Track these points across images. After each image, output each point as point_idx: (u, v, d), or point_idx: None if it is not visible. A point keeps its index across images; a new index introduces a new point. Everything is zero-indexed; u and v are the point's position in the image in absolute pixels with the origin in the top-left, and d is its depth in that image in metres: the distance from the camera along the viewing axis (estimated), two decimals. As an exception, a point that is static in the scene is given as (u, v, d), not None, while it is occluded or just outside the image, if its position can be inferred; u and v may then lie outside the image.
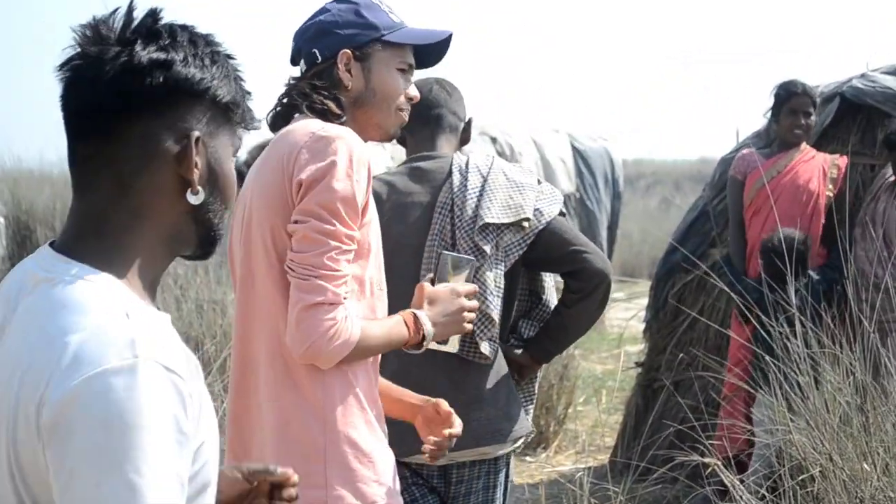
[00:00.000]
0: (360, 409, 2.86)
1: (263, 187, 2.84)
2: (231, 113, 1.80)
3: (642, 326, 7.51)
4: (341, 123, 2.91)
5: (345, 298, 2.75)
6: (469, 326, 3.08)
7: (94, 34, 1.72)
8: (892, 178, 5.97)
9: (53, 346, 1.59)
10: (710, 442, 5.15)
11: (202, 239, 1.81)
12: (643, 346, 7.60)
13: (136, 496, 1.53)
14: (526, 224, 3.74)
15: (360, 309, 2.86)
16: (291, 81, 3.03)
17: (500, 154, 12.82)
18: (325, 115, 2.92)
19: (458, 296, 3.03)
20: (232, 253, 3.00)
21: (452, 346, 3.18)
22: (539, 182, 3.89)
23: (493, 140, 12.95)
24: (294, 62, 3.07)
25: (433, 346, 3.02)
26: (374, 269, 2.94)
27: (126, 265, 1.72)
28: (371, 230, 2.90)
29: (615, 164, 13.83)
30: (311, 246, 2.72)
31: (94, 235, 1.72)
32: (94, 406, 1.54)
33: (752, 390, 5.25)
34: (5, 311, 1.74)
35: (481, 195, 3.74)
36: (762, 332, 5.00)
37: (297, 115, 2.96)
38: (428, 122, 3.83)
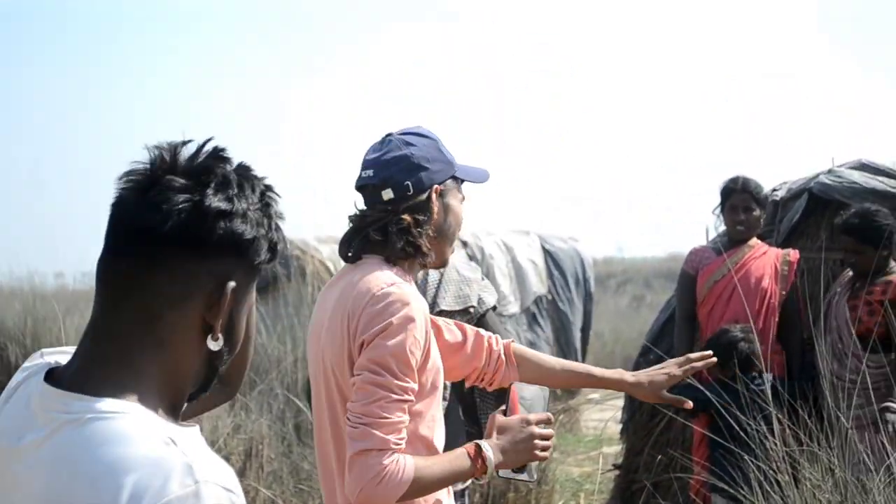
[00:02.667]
0: None
1: (333, 340, 3.05)
2: (260, 270, 1.83)
3: (619, 427, 7.47)
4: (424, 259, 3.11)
5: (395, 445, 2.90)
6: (544, 454, 3.14)
7: (170, 161, 1.74)
8: (850, 274, 5.99)
9: (103, 484, 1.55)
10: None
11: (205, 382, 1.82)
12: (620, 447, 7.55)
13: None
14: (471, 310, 4.61)
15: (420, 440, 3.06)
16: (364, 210, 3.15)
17: (471, 258, 12.85)
18: (409, 254, 3.09)
19: (528, 424, 3.11)
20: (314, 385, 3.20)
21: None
22: (482, 278, 4.78)
23: (465, 244, 13.00)
24: (368, 189, 3.15)
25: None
26: (436, 403, 3.13)
27: (147, 394, 1.69)
28: (431, 370, 3.07)
29: (586, 264, 13.90)
30: (363, 396, 2.91)
31: (112, 362, 1.70)
32: None
33: (711, 493, 5.22)
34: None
35: (438, 287, 4.56)
36: (719, 430, 4.98)
37: (368, 256, 3.12)
38: None
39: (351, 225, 3.19)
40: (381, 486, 2.86)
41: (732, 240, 6.44)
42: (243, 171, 1.81)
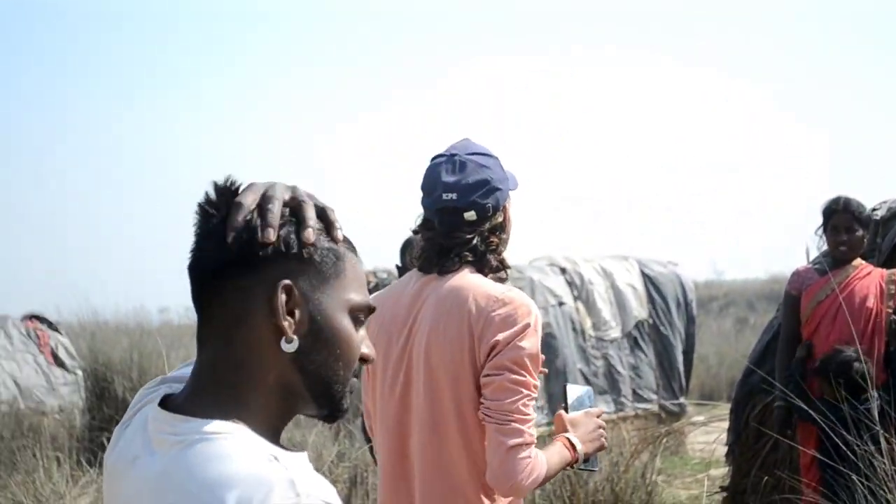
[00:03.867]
0: None
1: (449, 343, 3.26)
2: (332, 266, 1.80)
3: (724, 449, 7.46)
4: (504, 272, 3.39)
5: (532, 439, 3.18)
6: (607, 443, 3.50)
7: (214, 197, 1.79)
8: None
9: (206, 500, 1.59)
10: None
11: (316, 394, 1.80)
12: (727, 469, 7.53)
13: None
14: None
15: None
16: (445, 229, 3.35)
17: (570, 284, 12.88)
18: (498, 269, 3.38)
19: (592, 417, 3.45)
20: (378, 388, 3.43)
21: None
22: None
23: (563, 270, 13.04)
24: (449, 211, 3.34)
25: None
26: None
27: (246, 416, 1.74)
28: None
29: (686, 287, 13.83)
30: (506, 394, 3.16)
31: (210, 389, 1.76)
32: None
33: None
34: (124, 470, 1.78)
35: None
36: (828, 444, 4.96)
37: (459, 267, 3.34)
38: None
39: (426, 240, 3.41)
40: (529, 477, 3.16)
41: (836, 260, 6.42)
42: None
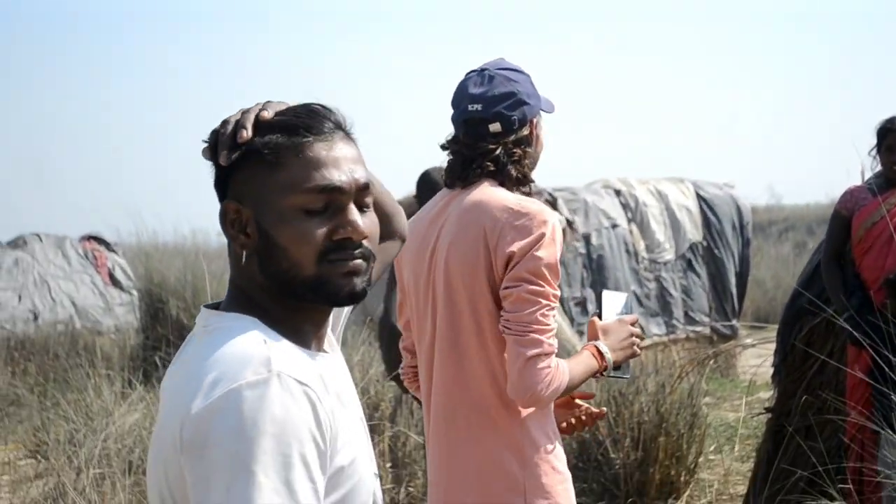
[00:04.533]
0: (549, 442, 3.28)
1: (465, 257, 3.25)
2: (276, 158, 1.86)
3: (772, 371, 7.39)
4: (527, 187, 3.36)
5: (553, 348, 3.16)
6: (640, 351, 3.48)
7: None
8: None
9: (199, 372, 1.76)
10: (841, 486, 5.06)
11: (293, 291, 1.88)
12: (773, 391, 7.47)
13: (263, 497, 1.65)
14: None
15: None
16: (470, 141, 3.35)
17: (625, 206, 12.80)
18: (521, 182, 3.34)
19: (626, 324, 3.44)
20: (414, 309, 3.45)
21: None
22: None
23: (618, 192, 12.96)
24: (475, 122, 3.33)
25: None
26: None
27: (259, 313, 1.87)
28: None
29: (742, 210, 13.69)
30: (525, 306, 3.14)
31: (234, 292, 1.93)
32: (228, 417, 1.68)
33: (877, 429, 5.12)
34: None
35: None
36: (882, 364, 4.89)
37: (480, 181, 3.33)
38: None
39: (452, 154, 3.41)
40: (552, 388, 3.14)
41: (890, 181, 6.29)
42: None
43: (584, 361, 3.31)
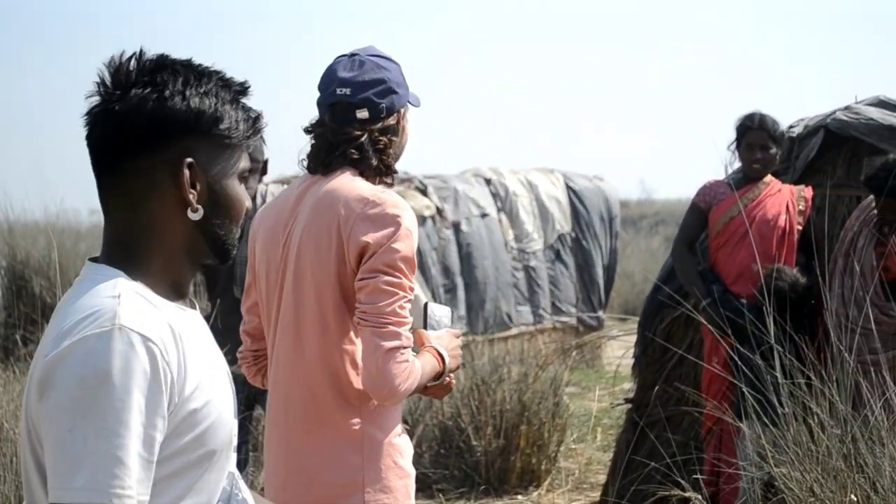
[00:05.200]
0: (391, 436, 3.25)
1: (317, 245, 3.19)
2: (227, 139, 2.07)
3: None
4: (390, 178, 3.33)
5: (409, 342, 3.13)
6: (462, 362, 3.49)
7: (104, 79, 2.01)
8: (872, 215, 5.88)
9: (59, 320, 1.93)
10: (696, 477, 5.13)
11: (214, 248, 2.11)
12: (633, 382, 7.57)
13: (101, 440, 1.80)
14: None
15: None
16: (335, 126, 3.28)
17: (495, 195, 12.86)
18: (383, 172, 3.31)
19: (454, 336, 3.44)
20: (264, 294, 3.37)
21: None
22: None
23: (488, 181, 13.01)
24: (342, 106, 3.27)
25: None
26: None
27: (142, 270, 2.02)
28: None
29: (611, 202, 13.86)
30: (382, 297, 3.07)
31: (115, 247, 2.04)
32: (73, 365, 1.84)
33: (731, 422, 5.20)
34: None
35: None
36: (738, 360, 4.96)
37: (342, 168, 3.26)
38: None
39: (316, 137, 3.33)
40: (408, 383, 3.09)
41: (748, 177, 6.39)
42: (179, 63, 2.06)
43: (430, 362, 3.26)
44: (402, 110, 3.34)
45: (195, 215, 2.04)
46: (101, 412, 1.81)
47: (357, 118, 3.25)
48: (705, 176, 6.60)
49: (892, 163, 5.65)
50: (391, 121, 3.30)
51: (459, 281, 12.12)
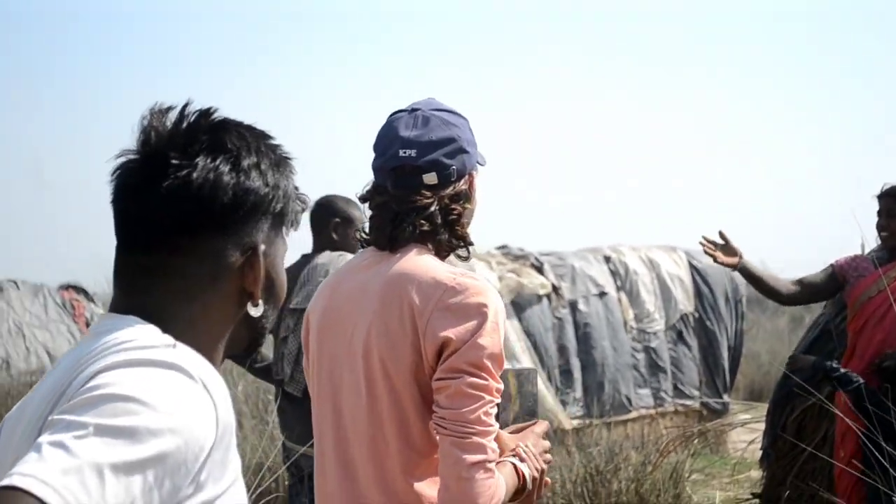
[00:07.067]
0: None
1: (390, 341, 2.75)
2: (287, 220, 1.80)
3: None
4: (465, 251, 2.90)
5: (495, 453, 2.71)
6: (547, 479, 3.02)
7: (149, 137, 1.68)
8: None
9: (93, 344, 1.59)
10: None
11: (252, 342, 1.82)
12: (761, 476, 7.08)
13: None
14: None
15: None
16: (400, 193, 2.85)
17: (614, 273, 12.49)
18: (456, 246, 2.87)
19: (541, 435, 2.99)
20: (316, 390, 2.94)
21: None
22: None
23: (607, 259, 12.66)
24: (406, 170, 2.84)
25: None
26: None
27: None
28: None
29: (737, 282, 13.35)
30: (465, 402, 2.65)
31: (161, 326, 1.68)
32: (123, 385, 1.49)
33: None
34: None
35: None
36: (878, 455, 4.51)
37: (410, 244, 2.83)
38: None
39: (376, 208, 2.89)
40: (495, 499, 2.66)
41: (892, 252, 5.90)
42: (236, 126, 1.75)
43: (510, 474, 2.81)
44: (474, 172, 2.92)
45: (256, 311, 1.76)
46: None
47: (425, 183, 2.82)
48: (832, 255, 6.13)
49: None
50: (462, 185, 2.87)
51: (576, 362, 11.72)
